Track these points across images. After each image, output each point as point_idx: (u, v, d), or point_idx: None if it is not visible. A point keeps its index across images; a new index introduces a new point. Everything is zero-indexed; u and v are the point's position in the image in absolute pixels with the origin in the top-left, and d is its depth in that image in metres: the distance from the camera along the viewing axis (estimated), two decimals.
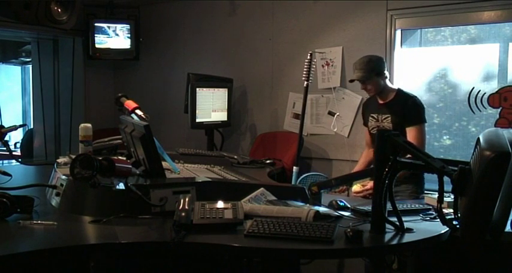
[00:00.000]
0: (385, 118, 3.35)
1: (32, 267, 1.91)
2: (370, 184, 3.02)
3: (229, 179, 2.85)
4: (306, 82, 4.08)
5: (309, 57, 4.07)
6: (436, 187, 1.96)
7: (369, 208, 2.24)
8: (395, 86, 3.45)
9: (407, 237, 2.02)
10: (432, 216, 2.32)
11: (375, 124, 3.41)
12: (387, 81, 3.38)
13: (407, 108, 3.27)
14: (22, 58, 7.21)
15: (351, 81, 3.44)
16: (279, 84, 4.79)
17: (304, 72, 4.09)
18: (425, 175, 3.32)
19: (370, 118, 3.45)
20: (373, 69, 3.31)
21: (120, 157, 2.74)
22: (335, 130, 4.40)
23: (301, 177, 4.12)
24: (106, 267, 2.08)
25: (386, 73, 3.37)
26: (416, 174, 3.27)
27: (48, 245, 1.87)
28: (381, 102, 3.40)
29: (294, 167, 4.01)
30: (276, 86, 4.82)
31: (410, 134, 3.20)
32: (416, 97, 3.37)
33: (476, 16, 3.81)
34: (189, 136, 5.21)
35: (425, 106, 3.38)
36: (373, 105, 3.46)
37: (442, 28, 4.16)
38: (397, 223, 2.07)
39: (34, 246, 1.87)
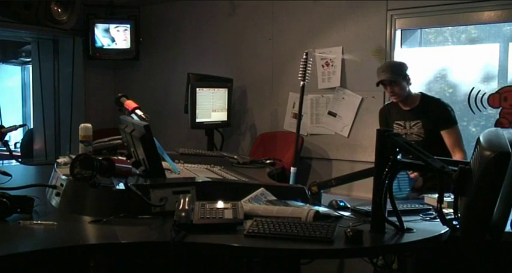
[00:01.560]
0: (414, 125, 3.29)
1: (32, 267, 1.91)
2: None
3: (229, 179, 2.85)
4: (302, 82, 4.05)
5: (304, 57, 4.03)
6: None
7: (369, 208, 2.24)
8: (417, 91, 3.38)
9: (407, 237, 2.02)
10: (432, 216, 2.32)
11: (402, 132, 3.32)
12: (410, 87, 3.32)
13: (438, 111, 3.24)
14: (22, 58, 7.21)
15: (378, 83, 3.31)
16: (279, 84, 4.79)
17: (300, 72, 4.05)
18: None
19: (395, 125, 3.37)
20: (400, 72, 3.26)
21: (120, 157, 2.74)
22: (330, 128, 4.40)
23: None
24: (106, 267, 2.08)
25: (411, 79, 3.31)
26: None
27: (48, 245, 1.87)
28: (405, 108, 3.33)
29: (292, 168, 4.00)
30: (276, 86, 4.81)
31: (449, 136, 3.19)
32: (440, 99, 3.34)
33: (476, 16, 3.81)
34: (189, 136, 5.21)
35: None
36: (397, 112, 3.39)
37: (442, 28, 4.16)
38: (397, 223, 2.07)
39: (34, 246, 1.87)
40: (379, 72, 3.33)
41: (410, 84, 3.30)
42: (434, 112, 3.25)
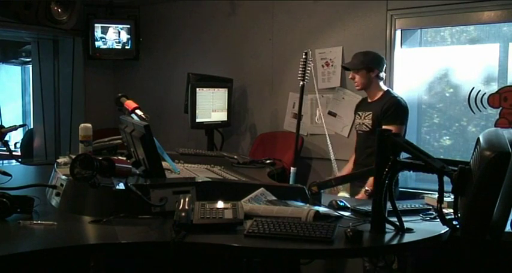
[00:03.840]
0: (366, 115, 3.42)
1: (32, 267, 1.91)
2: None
3: (229, 179, 2.85)
4: (301, 82, 4.05)
5: (304, 57, 4.03)
6: (436, 187, 1.97)
7: (369, 208, 2.24)
8: (385, 88, 3.51)
9: (407, 237, 2.02)
10: (432, 216, 2.32)
11: (357, 122, 3.52)
12: (381, 82, 3.46)
13: (387, 106, 3.33)
14: (22, 58, 7.21)
15: (343, 67, 3.55)
16: (279, 84, 4.79)
17: (300, 72, 4.05)
18: (425, 175, 3.31)
19: (356, 115, 3.55)
20: (364, 61, 3.40)
21: (120, 157, 2.74)
22: (330, 128, 4.40)
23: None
24: (106, 267, 2.08)
25: (382, 74, 3.45)
26: None
27: (48, 245, 1.87)
28: (369, 100, 3.50)
29: (292, 168, 4.00)
30: (276, 86, 4.81)
31: None
32: (400, 98, 3.42)
33: (476, 16, 3.81)
34: (189, 136, 5.21)
35: (409, 109, 3.44)
36: (363, 103, 3.58)
37: (442, 28, 4.16)
38: (397, 223, 2.07)
39: (34, 246, 1.87)
40: (352, 57, 3.50)
41: (381, 78, 3.44)
42: (385, 106, 3.33)
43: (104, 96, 5.64)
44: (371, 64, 3.39)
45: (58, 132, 5.89)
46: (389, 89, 3.49)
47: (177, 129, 5.31)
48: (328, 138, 3.98)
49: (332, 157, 3.91)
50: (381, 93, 3.42)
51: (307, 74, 4.07)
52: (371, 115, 3.39)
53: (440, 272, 2.56)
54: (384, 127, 3.25)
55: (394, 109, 3.32)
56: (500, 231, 1.84)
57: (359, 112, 3.51)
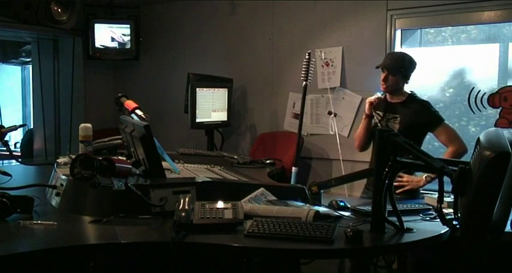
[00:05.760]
0: (391, 118, 3.31)
1: (32, 267, 1.91)
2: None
3: (229, 179, 2.85)
4: (304, 82, 4.06)
5: (307, 57, 4.04)
6: (436, 187, 1.97)
7: (369, 208, 2.24)
8: (408, 90, 3.40)
9: (407, 237, 2.02)
10: (432, 216, 2.32)
11: (379, 122, 3.37)
12: (405, 85, 3.37)
13: (425, 115, 3.26)
14: (22, 58, 7.21)
15: (378, 67, 3.35)
16: (279, 84, 4.79)
17: (303, 72, 4.07)
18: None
19: (375, 114, 3.40)
20: (404, 67, 3.28)
21: (120, 157, 2.74)
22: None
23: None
24: (106, 267, 2.08)
25: (410, 80, 3.36)
26: None
27: (48, 245, 1.87)
28: (391, 100, 3.36)
29: (293, 168, 4.01)
30: (276, 86, 4.81)
31: (443, 133, 3.22)
32: (426, 100, 3.38)
33: (476, 16, 3.81)
34: (189, 136, 5.21)
35: None
36: (383, 103, 3.41)
37: (442, 28, 4.16)
38: (397, 223, 2.07)
39: (34, 246, 1.87)
40: (386, 57, 3.40)
41: (407, 83, 3.33)
42: (421, 115, 3.25)
43: (104, 96, 5.63)
44: (408, 71, 3.31)
45: (58, 131, 5.89)
46: (413, 92, 3.39)
47: (177, 129, 5.31)
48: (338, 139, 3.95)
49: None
50: (405, 96, 3.33)
51: (310, 74, 4.08)
52: (398, 119, 3.29)
53: (440, 272, 2.56)
54: (437, 130, 3.22)
55: (433, 113, 3.28)
56: (500, 232, 1.84)
57: (379, 112, 3.38)
